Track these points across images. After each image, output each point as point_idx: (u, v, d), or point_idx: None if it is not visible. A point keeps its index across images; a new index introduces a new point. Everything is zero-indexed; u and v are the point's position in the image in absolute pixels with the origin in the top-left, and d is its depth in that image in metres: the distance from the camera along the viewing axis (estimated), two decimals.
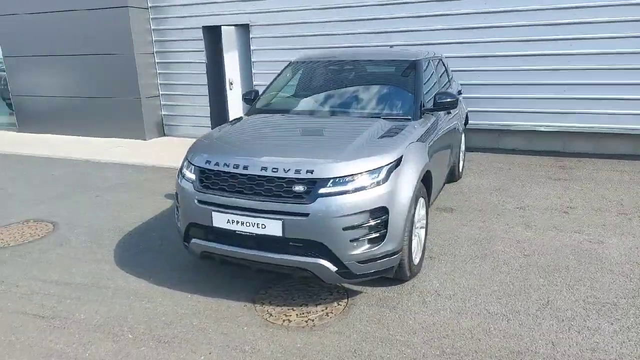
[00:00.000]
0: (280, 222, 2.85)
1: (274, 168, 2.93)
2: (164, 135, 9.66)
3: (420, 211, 3.48)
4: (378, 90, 4.13)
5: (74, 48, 9.35)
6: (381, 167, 2.96)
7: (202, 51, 8.93)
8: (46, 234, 4.56)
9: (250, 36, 8.49)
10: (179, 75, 9.29)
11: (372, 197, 2.87)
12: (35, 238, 4.48)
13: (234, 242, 3.04)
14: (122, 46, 8.93)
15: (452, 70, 7.02)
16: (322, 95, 4.29)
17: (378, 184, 2.91)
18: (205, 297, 3.29)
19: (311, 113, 4.02)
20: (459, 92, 5.49)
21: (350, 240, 2.84)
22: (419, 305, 3.12)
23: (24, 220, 4.95)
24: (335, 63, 4.50)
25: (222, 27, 8.42)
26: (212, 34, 8.79)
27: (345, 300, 3.21)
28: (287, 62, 4.85)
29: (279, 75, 4.62)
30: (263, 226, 2.90)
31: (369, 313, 3.05)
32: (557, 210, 4.81)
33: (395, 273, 3.21)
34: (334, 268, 2.88)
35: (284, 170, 2.90)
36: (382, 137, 3.32)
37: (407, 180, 3.07)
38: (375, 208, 2.88)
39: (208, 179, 3.12)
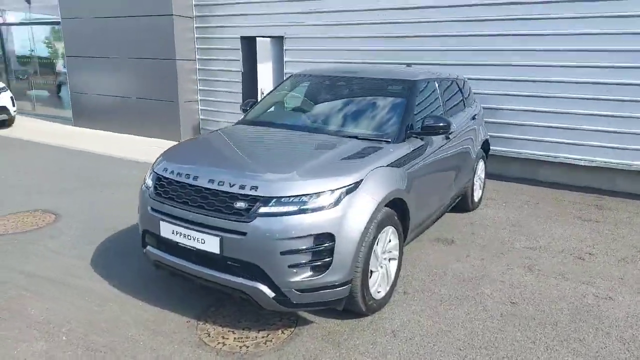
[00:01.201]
0: (218, 239, 2.71)
1: (220, 181, 2.81)
2: None
3: (390, 241, 3.20)
4: (364, 109, 3.89)
5: (124, 51, 9.86)
6: (331, 190, 2.74)
7: (239, 60, 9.08)
8: (45, 225, 4.73)
9: (284, 48, 8.51)
10: (217, 82, 9.51)
11: (316, 221, 2.65)
12: (34, 228, 4.65)
13: (178, 254, 2.95)
14: (165, 52, 9.28)
15: (483, 94, 6.62)
16: (308, 111, 4.13)
17: (325, 208, 2.69)
18: (155, 308, 3.21)
19: (291, 128, 3.86)
20: (474, 117, 5.09)
21: (289, 266, 2.64)
22: (366, 346, 2.84)
23: (34, 210, 5.16)
24: (332, 79, 4.32)
25: (257, 38, 8.52)
26: (250, 45, 8.92)
27: (292, 329, 2.99)
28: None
29: (276, 87, 4.53)
30: (203, 241, 2.77)
31: (309, 347, 2.81)
32: (572, 255, 4.29)
33: (348, 306, 2.96)
34: (271, 294, 2.69)
35: (230, 184, 2.77)
36: (346, 158, 3.10)
37: (363, 206, 2.82)
38: (320, 234, 2.66)
39: (162, 187, 3.06)
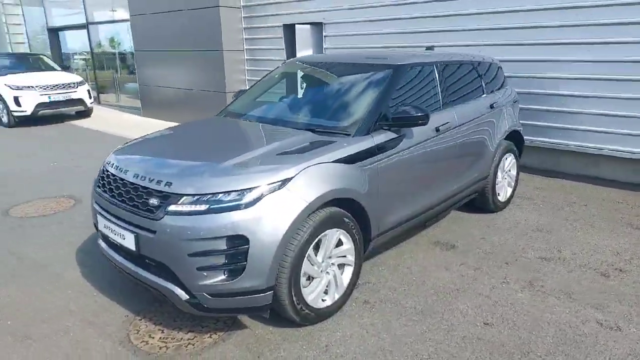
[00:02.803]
0: (133, 236, 2.61)
1: (143, 176, 2.70)
2: None
3: (342, 245, 2.92)
4: (335, 99, 3.56)
5: (178, 44, 10.24)
6: (248, 189, 2.50)
7: (283, 49, 8.98)
8: (62, 210, 5.03)
9: (324, 34, 8.24)
10: (263, 73, 9.47)
11: (228, 222, 2.44)
12: (51, 213, 4.97)
13: (114, 249, 2.91)
14: (213, 43, 9.47)
15: (529, 77, 5.88)
16: (282, 101, 3.89)
17: (239, 207, 2.47)
18: (105, 299, 3.23)
19: (255, 120, 3.66)
20: (491, 106, 4.46)
21: (198, 269, 2.47)
22: (289, 359, 2.58)
23: (61, 196, 5.52)
24: (317, 66, 4.02)
25: (295, 25, 8.35)
26: (292, 33, 8.78)
27: (222, 333, 2.83)
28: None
29: (264, 77, 4.34)
30: (123, 237, 2.70)
31: (227, 355, 2.63)
32: (595, 271, 3.60)
33: (282, 314, 2.73)
34: (184, 296, 2.54)
35: (149, 179, 2.66)
36: (283, 153, 2.82)
37: (287, 207, 2.54)
38: (232, 235, 2.44)
39: (103, 179, 3.04)
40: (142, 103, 12.07)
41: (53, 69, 12.13)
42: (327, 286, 2.93)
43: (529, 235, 4.26)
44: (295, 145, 2.92)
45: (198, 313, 2.61)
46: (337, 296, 2.96)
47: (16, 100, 10.35)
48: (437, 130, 3.62)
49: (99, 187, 3.04)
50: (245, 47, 9.67)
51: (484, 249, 4.00)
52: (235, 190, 2.49)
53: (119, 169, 2.88)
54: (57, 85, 10.85)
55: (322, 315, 2.88)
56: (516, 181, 5.15)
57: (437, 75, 3.85)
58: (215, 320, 2.94)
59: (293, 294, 2.65)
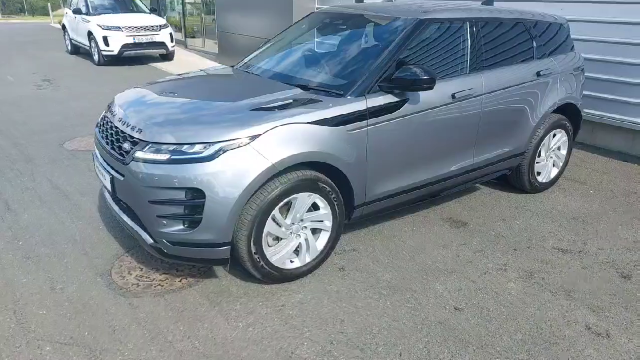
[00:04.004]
0: (109, 177, 2.76)
1: (125, 121, 2.81)
2: None
3: (319, 210, 2.87)
4: (340, 55, 3.36)
5: None
6: (211, 143, 2.49)
7: None
8: None
9: None
10: None
11: (186, 174, 2.47)
12: None
13: (106, 189, 3.10)
14: None
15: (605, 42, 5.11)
16: (291, 54, 3.75)
17: (199, 160, 2.48)
18: (108, 233, 3.50)
19: (257, 72, 3.57)
20: (538, 74, 3.92)
21: (158, 216, 2.56)
22: (240, 312, 2.65)
23: None
24: (339, 19, 3.79)
25: None
26: None
27: (193, 280, 2.95)
28: None
29: (286, 28, 4.20)
30: (105, 177, 2.87)
31: (187, 299, 2.75)
32: (617, 270, 3.18)
33: (245, 268, 2.78)
34: (150, 240, 2.67)
35: (127, 124, 2.76)
36: (258, 109, 2.74)
37: (249, 166, 2.50)
38: (189, 188, 2.48)
39: (102, 120, 3.20)
40: (219, 49, 12.42)
41: (142, 11, 12.82)
42: (298, 248, 2.90)
43: (559, 223, 3.84)
44: (277, 101, 2.83)
45: (162, 258, 2.73)
46: (308, 259, 2.93)
47: (105, 39, 11.16)
48: (453, 96, 3.29)
49: (97, 126, 3.22)
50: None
51: (497, 231, 3.68)
52: (198, 143, 2.51)
53: (112, 112, 3.03)
54: (141, 27, 11.48)
55: (288, 275, 2.88)
56: (566, 161, 4.60)
57: (468, 34, 3.46)
58: (191, 267, 3.07)
59: (253, 251, 2.66)
